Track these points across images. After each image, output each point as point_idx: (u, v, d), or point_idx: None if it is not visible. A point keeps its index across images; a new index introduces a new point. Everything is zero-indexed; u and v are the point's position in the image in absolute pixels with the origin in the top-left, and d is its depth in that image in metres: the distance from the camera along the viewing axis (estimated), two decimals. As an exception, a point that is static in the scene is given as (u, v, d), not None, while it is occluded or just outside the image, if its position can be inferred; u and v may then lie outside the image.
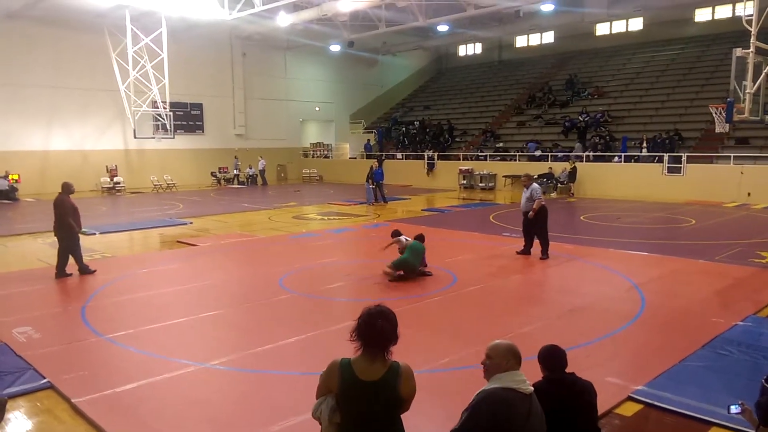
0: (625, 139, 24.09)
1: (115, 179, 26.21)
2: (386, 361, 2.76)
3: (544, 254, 10.73)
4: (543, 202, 10.85)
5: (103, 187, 25.85)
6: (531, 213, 10.77)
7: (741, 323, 6.81)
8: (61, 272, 9.50)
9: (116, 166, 26.82)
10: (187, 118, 29.75)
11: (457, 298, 8.24)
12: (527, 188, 10.98)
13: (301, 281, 9.24)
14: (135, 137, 26.03)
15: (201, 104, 30.36)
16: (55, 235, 9.69)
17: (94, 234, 13.58)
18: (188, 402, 5.00)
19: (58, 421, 4.70)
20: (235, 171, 30.14)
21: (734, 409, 3.47)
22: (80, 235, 9.76)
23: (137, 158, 28.29)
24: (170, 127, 26.02)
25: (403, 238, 9.52)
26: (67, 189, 9.66)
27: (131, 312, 7.67)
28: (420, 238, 9.53)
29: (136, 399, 5.01)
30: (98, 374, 5.53)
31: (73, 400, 4.94)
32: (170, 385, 5.31)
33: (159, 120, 25.97)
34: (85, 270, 9.66)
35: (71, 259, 9.63)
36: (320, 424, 2.86)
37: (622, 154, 23.04)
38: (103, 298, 8.36)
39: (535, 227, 10.86)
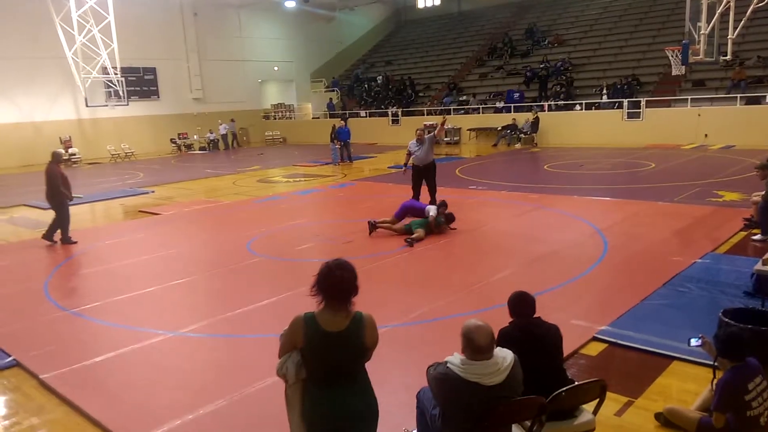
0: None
1: (70, 150, 25.24)
2: (349, 312, 2.78)
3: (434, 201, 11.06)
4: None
5: (58, 160, 24.89)
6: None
7: (699, 261, 7.04)
8: (48, 236, 9.73)
9: (70, 136, 25.80)
10: (141, 83, 28.65)
11: (426, 252, 8.30)
12: (421, 143, 10.85)
13: (269, 245, 9.16)
14: (87, 106, 24.95)
15: (154, 68, 29.20)
16: (49, 204, 9.89)
17: (81, 198, 13.06)
18: (160, 371, 4.96)
19: (27, 398, 4.62)
20: (229, 129, 29.82)
21: (694, 342, 3.61)
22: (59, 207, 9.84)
23: (92, 128, 27.25)
24: (123, 93, 25.03)
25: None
26: (56, 158, 9.86)
27: (96, 284, 7.51)
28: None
29: (105, 371, 4.95)
30: (65, 349, 5.43)
31: (41, 377, 4.86)
32: (141, 355, 5.25)
33: (111, 87, 24.96)
34: (67, 240, 9.79)
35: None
36: (285, 381, 2.85)
37: (583, 102, 23.22)
38: (65, 272, 8.17)
39: (430, 180, 10.96)
